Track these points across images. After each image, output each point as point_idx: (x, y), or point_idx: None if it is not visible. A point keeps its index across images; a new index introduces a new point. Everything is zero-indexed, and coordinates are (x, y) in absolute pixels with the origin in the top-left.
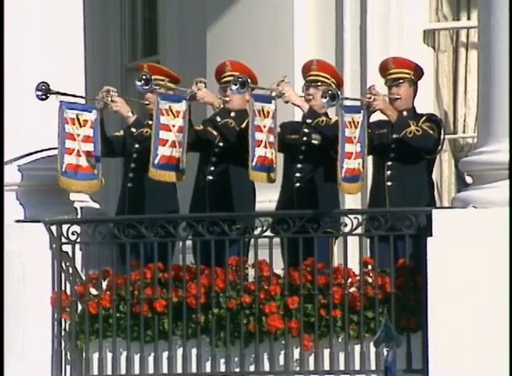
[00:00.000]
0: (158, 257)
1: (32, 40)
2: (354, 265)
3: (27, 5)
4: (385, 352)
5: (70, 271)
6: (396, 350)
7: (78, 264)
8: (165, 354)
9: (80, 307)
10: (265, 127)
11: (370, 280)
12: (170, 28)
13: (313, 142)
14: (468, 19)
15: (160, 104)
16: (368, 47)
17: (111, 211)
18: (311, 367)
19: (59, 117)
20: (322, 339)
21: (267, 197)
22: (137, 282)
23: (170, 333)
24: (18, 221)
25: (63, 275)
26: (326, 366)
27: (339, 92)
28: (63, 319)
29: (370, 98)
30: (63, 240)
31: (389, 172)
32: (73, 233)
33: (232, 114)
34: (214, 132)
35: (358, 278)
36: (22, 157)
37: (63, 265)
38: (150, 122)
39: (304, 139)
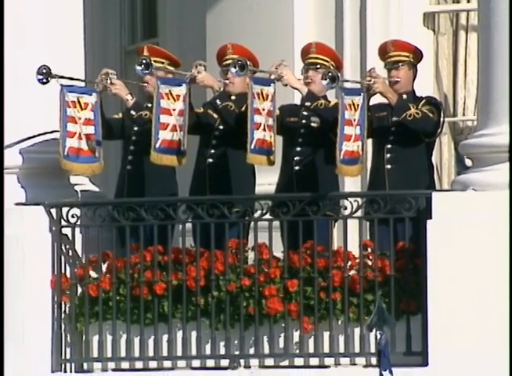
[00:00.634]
0: (158, 240)
1: (31, 24)
2: (354, 247)
3: None
4: (378, 336)
5: (70, 254)
6: (389, 333)
7: (78, 247)
8: (165, 337)
9: (80, 290)
10: (264, 110)
11: (370, 262)
12: (170, 11)
13: (312, 125)
14: (468, 1)
15: (160, 88)
16: (368, 30)
17: (110, 194)
18: (311, 350)
19: (60, 100)
20: (322, 322)
21: (267, 180)
22: (137, 265)
23: (170, 316)
24: (18, 204)
25: (62, 258)
26: (326, 349)
27: (339, 74)
28: (62, 302)
29: (370, 80)
30: (63, 222)
31: (389, 155)
32: (72, 216)
33: (233, 97)
34: (215, 115)
35: (357, 261)
36: (23, 140)
37: (63, 248)
38: (150, 105)
39: (303, 122)
